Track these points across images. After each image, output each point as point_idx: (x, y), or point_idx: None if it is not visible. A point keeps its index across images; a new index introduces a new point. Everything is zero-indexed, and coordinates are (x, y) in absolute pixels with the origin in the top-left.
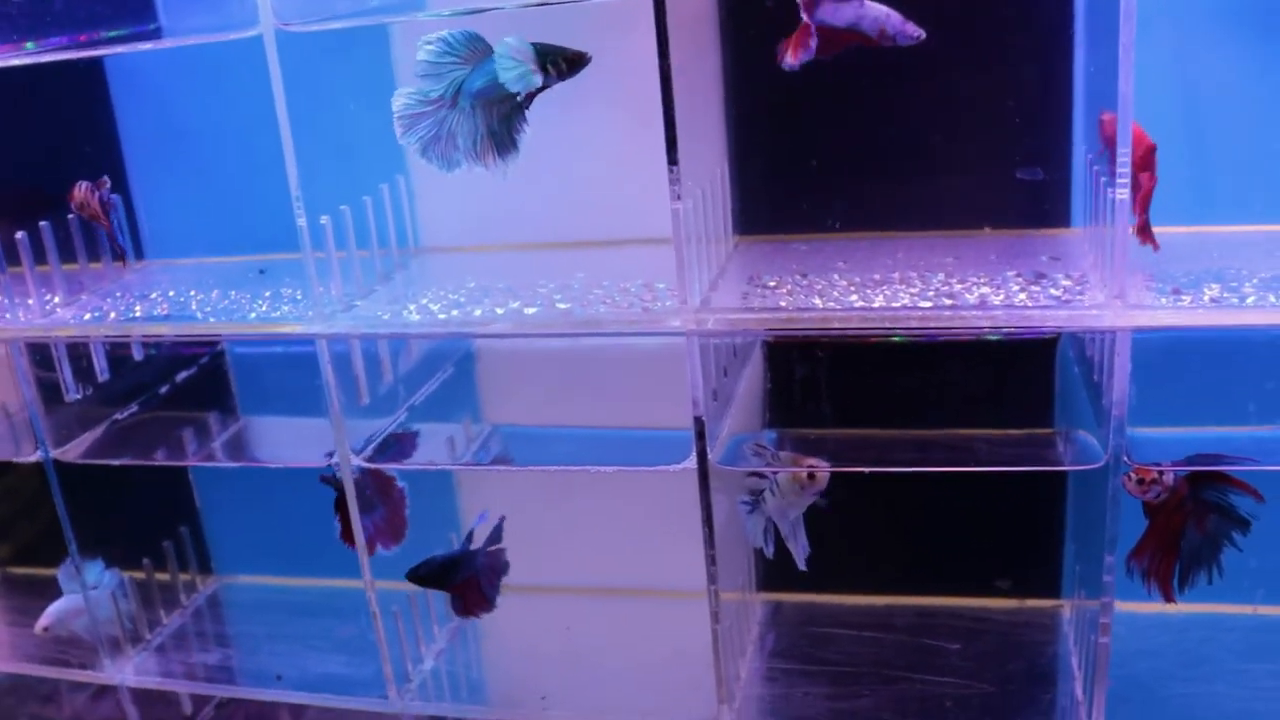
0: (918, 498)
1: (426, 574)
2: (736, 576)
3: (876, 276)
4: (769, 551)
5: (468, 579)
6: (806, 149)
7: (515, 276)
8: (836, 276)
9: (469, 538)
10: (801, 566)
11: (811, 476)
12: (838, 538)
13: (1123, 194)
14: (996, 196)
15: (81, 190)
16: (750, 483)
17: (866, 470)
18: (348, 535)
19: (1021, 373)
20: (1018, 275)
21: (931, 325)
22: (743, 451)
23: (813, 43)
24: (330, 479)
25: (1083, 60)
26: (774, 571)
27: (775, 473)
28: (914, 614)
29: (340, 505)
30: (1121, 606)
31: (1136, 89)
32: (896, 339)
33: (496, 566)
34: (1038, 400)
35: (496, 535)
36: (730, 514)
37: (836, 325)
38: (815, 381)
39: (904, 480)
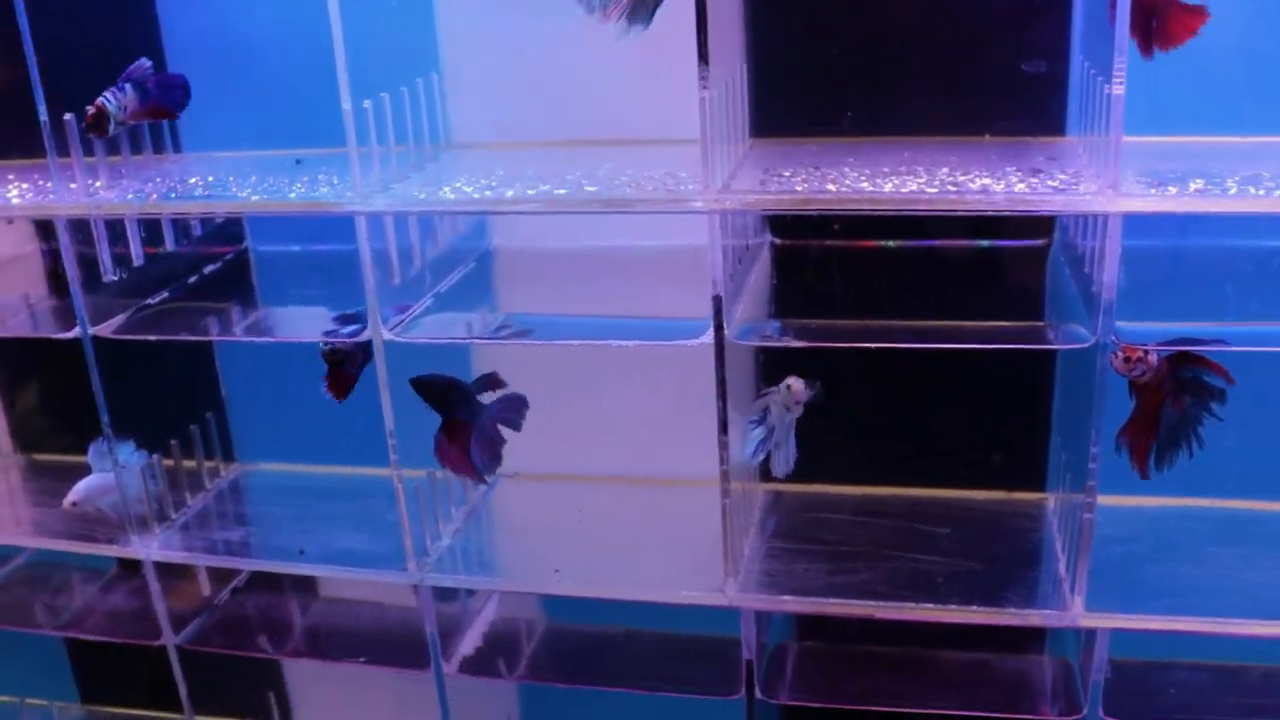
0: (912, 392)
1: (428, 384)
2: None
3: (885, 169)
4: (755, 460)
5: (464, 423)
6: (816, 55)
7: (543, 167)
8: (847, 169)
9: (487, 381)
10: (778, 473)
11: (789, 387)
12: (836, 431)
13: (1119, 89)
14: (996, 105)
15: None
16: (759, 403)
17: (861, 346)
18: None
19: (1015, 277)
20: (1017, 170)
21: (939, 207)
22: (753, 335)
23: None
24: (329, 354)
25: None
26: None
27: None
28: (906, 503)
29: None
30: (1101, 500)
31: None
32: (891, 246)
33: (495, 436)
34: (1030, 300)
35: (513, 410)
36: (738, 401)
37: (850, 205)
38: (819, 280)
39: (899, 376)
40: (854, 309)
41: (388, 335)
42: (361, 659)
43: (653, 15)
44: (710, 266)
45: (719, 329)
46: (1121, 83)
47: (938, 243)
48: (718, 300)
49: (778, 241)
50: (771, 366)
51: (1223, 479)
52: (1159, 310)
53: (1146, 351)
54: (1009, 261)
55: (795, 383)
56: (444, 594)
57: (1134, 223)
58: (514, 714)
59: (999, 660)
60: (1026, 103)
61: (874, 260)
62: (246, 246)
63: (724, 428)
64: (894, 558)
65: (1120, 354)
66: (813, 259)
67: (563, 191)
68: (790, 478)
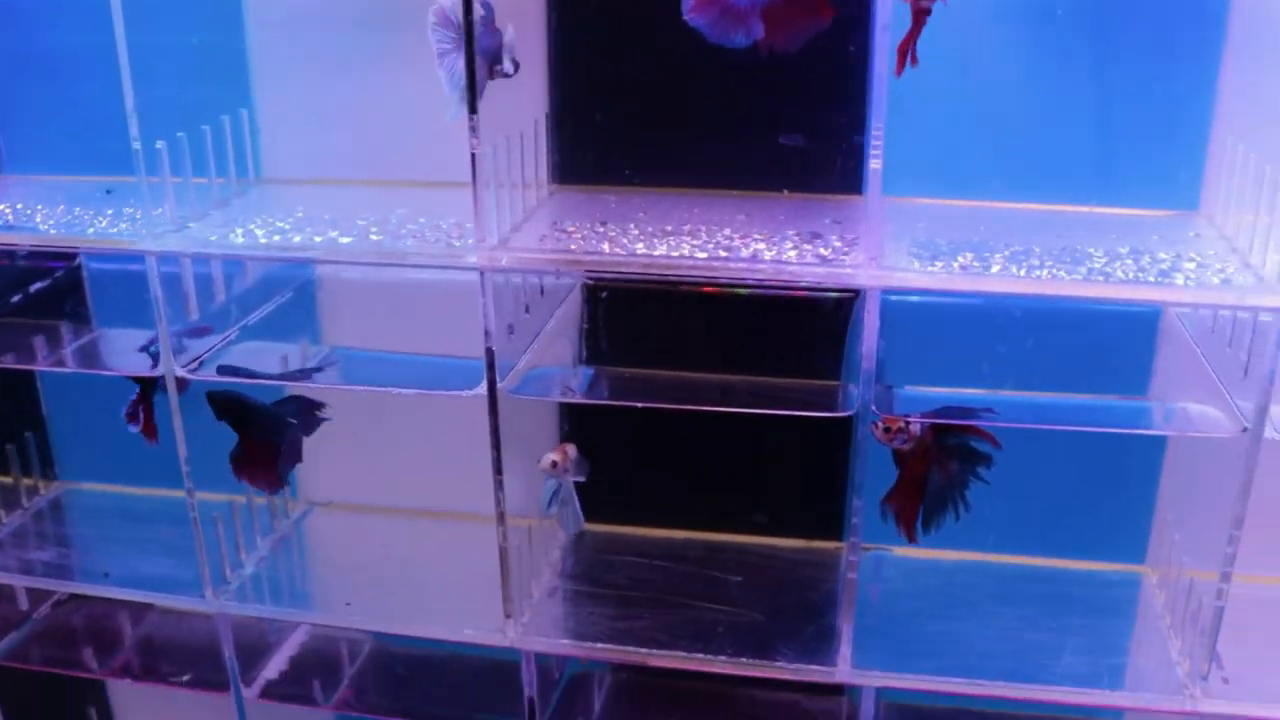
0: (720, 439)
1: (223, 402)
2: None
3: (669, 228)
4: (550, 512)
5: (262, 442)
6: (620, 105)
7: (342, 209)
8: (632, 226)
9: (291, 402)
10: (568, 533)
11: (554, 461)
12: (644, 473)
13: (875, 164)
14: (797, 161)
15: None
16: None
17: (630, 404)
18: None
19: (825, 328)
20: (796, 234)
21: (700, 274)
22: (539, 385)
23: None
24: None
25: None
26: (582, 503)
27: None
28: (708, 548)
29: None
30: (901, 552)
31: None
32: (700, 288)
33: (297, 445)
34: (835, 356)
35: (310, 420)
36: (535, 445)
37: (613, 269)
38: (632, 326)
39: (707, 423)
40: (663, 356)
41: (180, 372)
42: (185, 678)
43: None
44: (483, 319)
45: (491, 383)
46: (878, 156)
47: (757, 290)
48: (490, 353)
49: (590, 282)
50: (576, 408)
51: (1022, 535)
52: (936, 375)
53: (908, 422)
54: (821, 313)
55: (553, 455)
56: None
57: None
58: None
59: (807, 700)
60: (825, 160)
61: (694, 304)
62: (79, 263)
63: (498, 470)
64: (681, 605)
65: (880, 424)
66: (624, 302)
67: (348, 240)
68: (598, 518)
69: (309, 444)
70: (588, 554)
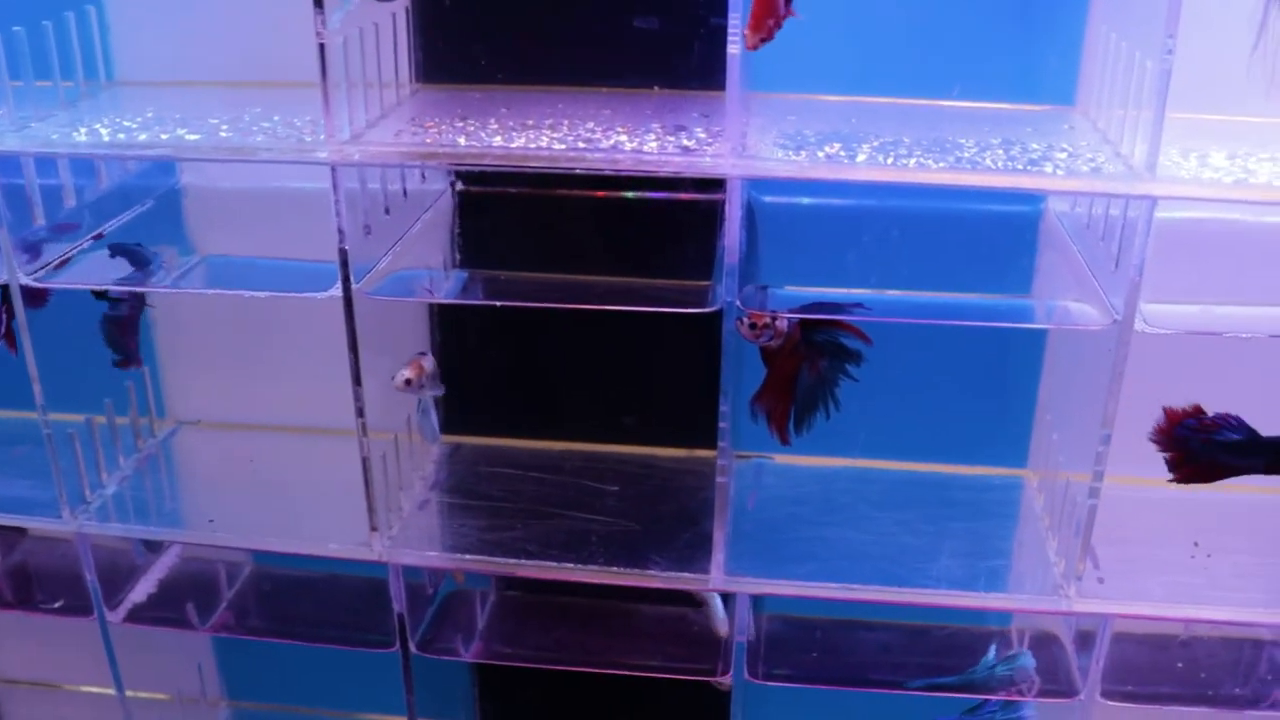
0: (596, 348)
1: None
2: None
3: (530, 122)
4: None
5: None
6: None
7: (196, 110)
8: (493, 122)
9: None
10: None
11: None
12: (520, 381)
13: (733, 49)
14: (669, 58)
15: None
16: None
17: (488, 303)
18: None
19: (701, 227)
20: (661, 128)
21: (559, 165)
22: (401, 287)
23: None
24: None
25: None
26: (456, 415)
27: None
28: (584, 459)
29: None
30: (781, 459)
31: None
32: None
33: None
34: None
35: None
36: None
37: (468, 160)
38: (504, 229)
39: (583, 332)
40: (538, 259)
41: (24, 280)
42: (58, 604)
43: None
44: (334, 219)
45: (346, 281)
46: (735, 42)
47: (632, 194)
48: (343, 253)
49: (462, 187)
50: (448, 315)
51: (904, 441)
52: (817, 277)
53: (774, 317)
54: (695, 211)
55: (406, 372)
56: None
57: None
58: (208, 664)
59: (694, 613)
60: (686, 47)
61: (564, 207)
62: None
63: (357, 380)
64: (555, 515)
65: (746, 320)
66: (497, 205)
67: (195, 137)
68: (473, 430)
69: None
70: (462, 466)
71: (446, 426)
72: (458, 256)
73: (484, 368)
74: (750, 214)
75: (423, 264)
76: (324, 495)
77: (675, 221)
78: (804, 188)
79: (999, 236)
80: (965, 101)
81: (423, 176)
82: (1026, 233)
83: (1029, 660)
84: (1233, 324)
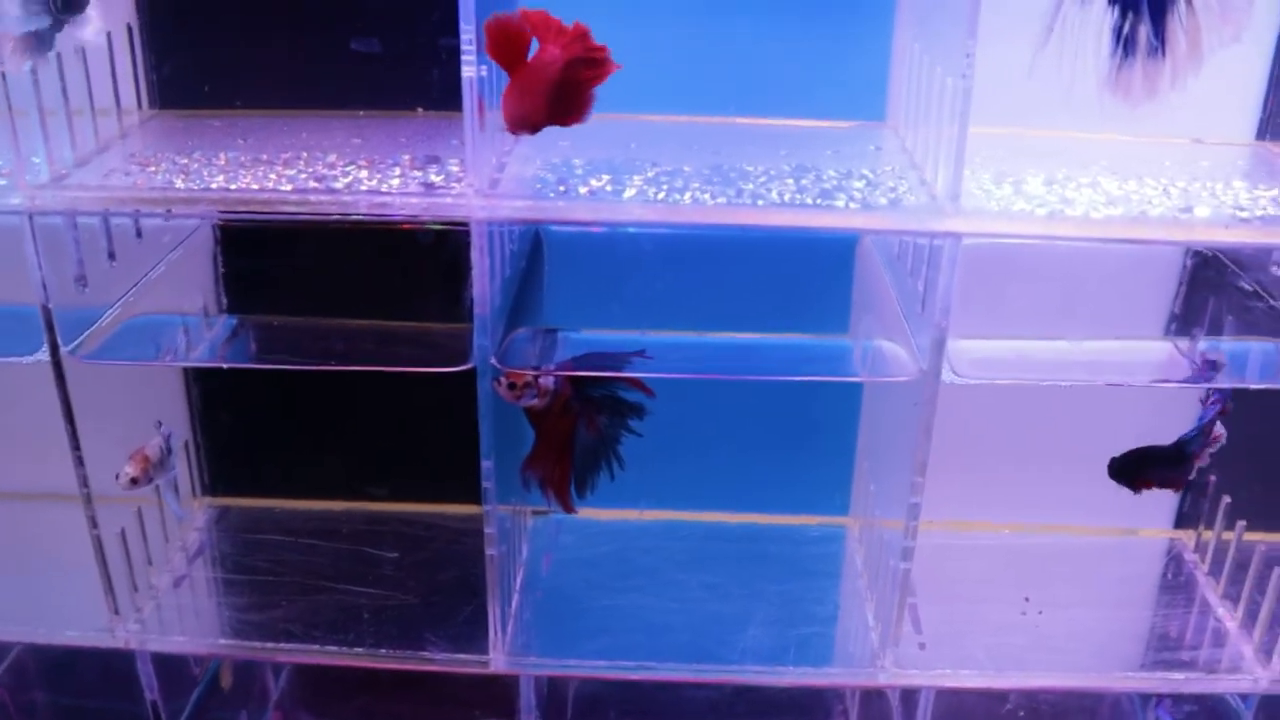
0: (370, 399)
1: None
2: None
3: (265, 157)
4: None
5: None
6: (220, 17)
7: None
8: (222, 156)
9: None
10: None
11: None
12: (290, 439)
13: (469, 71)
14: (434, 77)
15: None
16: None
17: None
18: None
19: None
20: (410, 159)
21: (280, 211)
22: (144, 336)
23: None
24: None
25: None
26: (224, 474)
27: None
28: (366, 519)
29: None
30: (586, 513)
31: None
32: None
33: None
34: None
35: None
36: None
37: (179, 207)
38: (266, 268)
39: (357, 379)
40: (304, 300)
41: None
42: None
43: None
44: (31, 274)
45: (54, 346)
46: (471, 62)
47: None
48: (47, 313)
49: (222, 221)
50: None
51: (715, 490)
52: (602, 307)
53: (536, 375)
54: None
55: (130, 471)
56: None
57: None
58: None
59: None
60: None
61: (332, 242)
62: None
63: (77, 452)
64: (324, 589)
65: (504, 380)
66: (257, 242)
67: None
68: (243, 491)
69: None
70: (229, 533)
71: (213, 487)
72: (224, 300)
73: (249, 422)
74: (537, 243)
75: (176, 309)
76: (69, 573)
77: (448, 255)
78: None
79: (816, 261)
80: (769, 119)
81: (168, 212)
82: (844, 255)
83: None
84: (1045, 369)
